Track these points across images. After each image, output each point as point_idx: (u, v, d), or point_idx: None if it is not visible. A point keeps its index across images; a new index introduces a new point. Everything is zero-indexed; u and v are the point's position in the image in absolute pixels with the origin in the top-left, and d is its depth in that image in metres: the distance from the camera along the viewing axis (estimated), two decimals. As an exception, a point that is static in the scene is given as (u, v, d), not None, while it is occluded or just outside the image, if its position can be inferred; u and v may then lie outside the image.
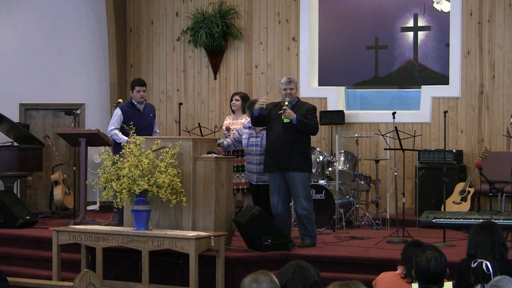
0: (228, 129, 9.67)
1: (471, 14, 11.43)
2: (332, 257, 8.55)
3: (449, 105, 11.51)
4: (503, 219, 8.13)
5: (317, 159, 10.78)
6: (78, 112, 11.93)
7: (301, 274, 4.07)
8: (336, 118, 11.91)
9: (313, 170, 10.22)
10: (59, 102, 13.10)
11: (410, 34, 11.87)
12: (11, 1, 13.19)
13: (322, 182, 10.67)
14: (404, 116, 11.37)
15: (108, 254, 8.48)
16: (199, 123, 11.69)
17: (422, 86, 11.81)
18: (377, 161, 11.08)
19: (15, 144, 12.16)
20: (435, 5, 11.71)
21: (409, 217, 10.27)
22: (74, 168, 11.48)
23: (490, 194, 9.71)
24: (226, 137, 9.52)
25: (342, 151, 11.08)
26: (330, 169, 11.01)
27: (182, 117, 11.82)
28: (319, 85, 12.39)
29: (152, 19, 13.35)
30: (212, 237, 7.98)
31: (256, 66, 12.69)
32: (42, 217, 11.53)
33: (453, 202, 10.54)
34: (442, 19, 11.66)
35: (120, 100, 11.38)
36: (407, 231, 9.38)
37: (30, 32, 13.22)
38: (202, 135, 11.22)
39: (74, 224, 9.55)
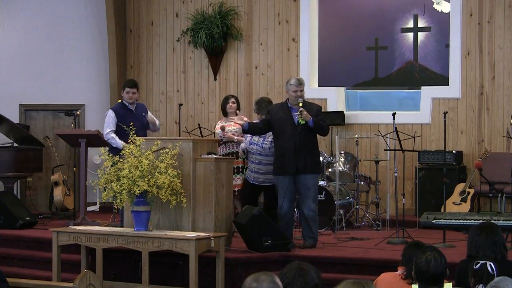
0: (223, 129, 9.69)
1: (471, 15, 11.44)
2: (332, 258, 8.56)
3: (449, 106, 11.51)
4: (503, 220, 8.14)
5: (317, 160, 10.79)
6: (78, 113, 11.93)
7: (302, 277, 4.06)
8: (336, 119, 11.91)
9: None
10: (59, 103, 13.10)
11: (410, 35, 11.87)
12: (11, 1, 13.20)
13: (322, 183, 10.66)
14: (404, 117, 11.36)
15: (108, 255, 8.48)
16: (199, 124, 11.69)
17: (422, 87, 11.81)
18: (377, 162, 11.08)
19: (15, 145, 12.15)
20: (435, 6, 11.71)
21: (409, 218, 10.27)
22: (74, 169, 11.47)
23: (490, 195, 9.70)
24: (221, 139, 9.54)
25: (342, 152, 11.08)
26: (330, 170, 11.01)
27: (182, 118, 11.83)
28: (319, 86, 12.39)
29: (152, 20, 13.35)
30: (212, 238, 7.98)
31: (256, 67, 12.69)
32: (42, 218, 11.53)
33: (453, 203, 10.54)
34: (442, 20, 11.67)
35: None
36: (407, 232, 9.38)
37: (30, 33, 13.22)
38: (202, 136, 11.22)
39: (74, 225, 9.54)
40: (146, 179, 7.93)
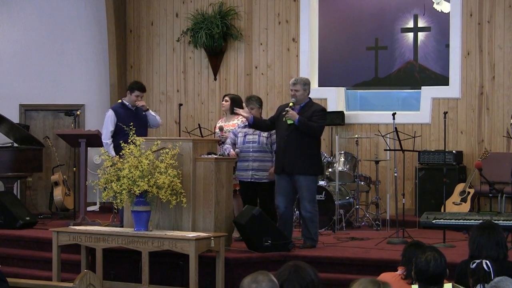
0: (221, 129, 9.68)
1: (471, 15, 11.44)
2: (332, 258, 8.55)
3: (449, 106, 11.51)
4: (503, 220, 8.13)
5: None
6: (78, 113, 11.92)
7: (297, 273, 4.06)
8: (336, 119, 11.91)
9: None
10: (59, 103, 13.10)
11: (410, 35, 11.87)
12: (11, 2, 13.20)
13: (322, 183, 10.67)
14: (404, 117, 11.37)
15: (108, 255, 8.47)
16: (199, 124, 11.69)
17: (422, 87, 11.81)
18: (377, 162, 11.08)
19: (15, 145, 12.16)
20: (435, 6, 11.71)
21: (409, 218, 10.27)
22: (74, 169, 11.47)
23: (490, 195, 9.71)
24: (220, 139, 9.53)
25: (342, 152, 11.08)
26: (330, 170, 11.01)
27: (182, 118, 11.83)
28: (319, 86, 12.38)
29: (152, 20, 13.35)
30: (212, 238, 7.98)
31: (256, 67, 12.69)
32: (42, 218, 11.53)
33: (453, 203, 10.54)
34: (442, 20, 11.66)
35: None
36: (407, 232, 9.38)
37: (30, 33, 13.22)
38: (202, 136, 11.23)
39: (74, 225, 9.55)
40: (146, 179, 7.93)
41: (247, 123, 9.13)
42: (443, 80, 11.67)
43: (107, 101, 13.11)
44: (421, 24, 11.80)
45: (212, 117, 12.85)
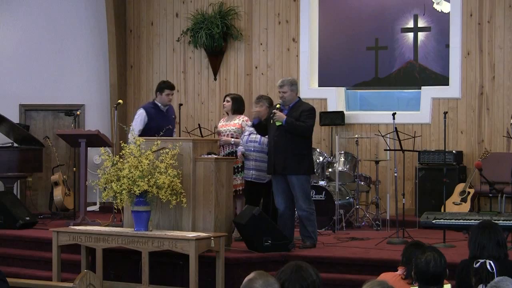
0: (219, 133, 9.70)
1: (471, 15, 11.44)
2: (332, 258, 8.55)
3: (449, 106, 11.51)
4: (503, 220, 8.13)
5: (317, 160, 10.78)
6: (78, 113, 11.93)
7: (299, 273, 4.06)
8: (336, 119, 11.91)
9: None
10: (59, 103, 13.10)
11: (410, 35, 11.86)
12: (11, 1, 13.20)
13: (322, 183, 10.67)
14: (404, 117, 11.36)
15: (108, 255, 8.48)
16: (199, 124, 11.69)
17: (422, 87, 11.81)
18: (377, 162, 11.08)
19: (15, 145, 12.16)
20: (435, 6, 11.70)
21: (409, 218, 10.27)
22: (74, 169, 11.48)
23: (490, 195, 9.71)
24: (220, 144, 9.54)
25: (342, 152, 11.08)
26: (330, 170, 11.01)
27: (182, 118, 11.83)
28: (319, 86, 12.39)
29: (152, 20, 13.35)
30: (212, 238, 7.98)
31: (256, 67, 12.69)
32: (42, 218, 11.52)
33: (453, 203, 10.54)
34: (442, 20, 11.66)
35: (120, 101, 11.39)
36: (407, 232, 9.38)
37: (30, 33, 13.22)
38: (202, 136, 11.22)
39: (74, 225, 9.55)
40: (146, 179, 7.93)
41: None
42: (443, 80, 11.67)
43: (107, 101, 13.12)
44: (421, 24, 11.80)
45: (212, 117, 12.85)
